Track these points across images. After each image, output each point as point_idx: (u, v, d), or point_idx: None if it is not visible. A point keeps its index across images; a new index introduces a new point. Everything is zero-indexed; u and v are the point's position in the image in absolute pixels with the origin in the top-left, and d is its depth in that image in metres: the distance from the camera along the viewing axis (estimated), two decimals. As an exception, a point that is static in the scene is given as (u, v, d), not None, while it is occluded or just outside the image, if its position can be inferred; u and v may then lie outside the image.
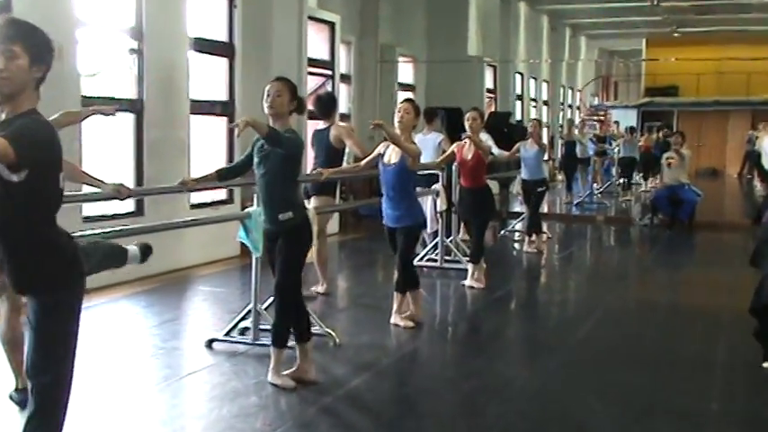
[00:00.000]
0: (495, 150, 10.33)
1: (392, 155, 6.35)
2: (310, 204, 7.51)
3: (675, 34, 28.29)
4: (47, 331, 3.01)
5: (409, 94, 16.75)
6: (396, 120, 6.39)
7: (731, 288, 8.69)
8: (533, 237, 10.79)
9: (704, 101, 28.96)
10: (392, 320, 6.64)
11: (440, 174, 9.02)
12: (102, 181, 4.94)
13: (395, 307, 6.66)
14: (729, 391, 5.28)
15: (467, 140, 8.16)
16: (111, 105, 5.95)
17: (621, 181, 19.12)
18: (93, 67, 8.18)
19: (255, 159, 4.98)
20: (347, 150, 7.70)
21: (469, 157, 8.15)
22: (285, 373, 5.12)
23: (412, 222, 6.49)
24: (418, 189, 9.19)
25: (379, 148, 6.51)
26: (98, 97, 8.00)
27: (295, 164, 4.97)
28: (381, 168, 6.44)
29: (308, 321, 5.24)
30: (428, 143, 9.44)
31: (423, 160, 9.25)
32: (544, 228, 12.15)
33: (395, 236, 6.52)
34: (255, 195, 5.88)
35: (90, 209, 7.71)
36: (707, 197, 14.75)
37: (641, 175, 20.60)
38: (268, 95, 4.89)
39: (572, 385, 5.36)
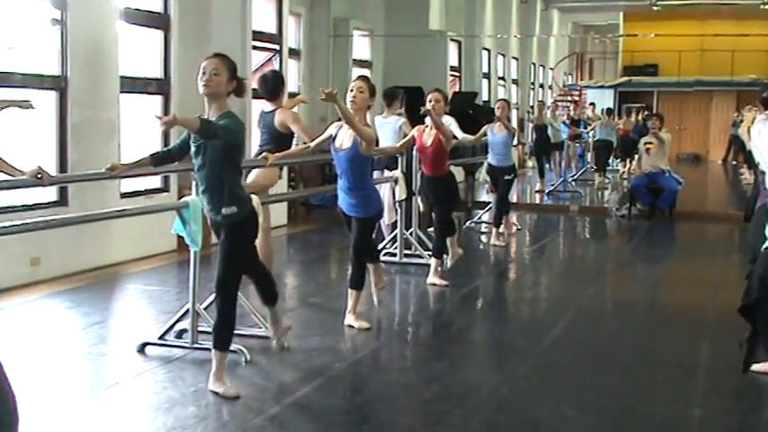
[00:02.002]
0: (460, 135, 10.34)
1: (344, 139, 6.32)
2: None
3: (655, 8, 28.58)
4: None
5: (365, 72, 16.72)
6: (348, 99, 6.34)
7: (715, 284, 8.81)
8: (501, 229, 10.86)
9: (686, 80, 29.31)
10: (346, 321, 6.63)
11: (398, 159, 9.01)
12: (20, 170, 4.86)
13: (349, 306, 6.65)
14: (713, 397, 5.33)
15: (427, 125, 8.16)
16: (27, 100, 5.90)
17: (596, 167, 19.29)
18: (9, 40, 8.03)
19: (192, 147, 4.93)
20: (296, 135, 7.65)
21: (429, 143, 8.14)
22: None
23: (366, 213, 6.50)
24: (376, 174, 9.24)
25: (331, 130, 6.47)
26: (16, 73, 7.88)
27: (236, 153, 4.95)
28: (333, 153, 6.42)
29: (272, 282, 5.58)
30: (388, 127, 9.42)
31: (382, 145, 9.29)
32: (513, 219, 12.21)
33: (348, 221, 6.60)
34: (194, 183, 5.83)
35: (5, 198, 7.58)
36: (689, 185, 14.95)
37: (618, 160, 20.81)
38: (203, 73, 4.83)
39: (544, 392, 5.38)
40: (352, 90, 6.37)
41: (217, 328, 5.09)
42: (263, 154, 6.66)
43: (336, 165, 6.48)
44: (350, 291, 6.66)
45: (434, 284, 8.17)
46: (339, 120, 6.31)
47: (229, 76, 4.87)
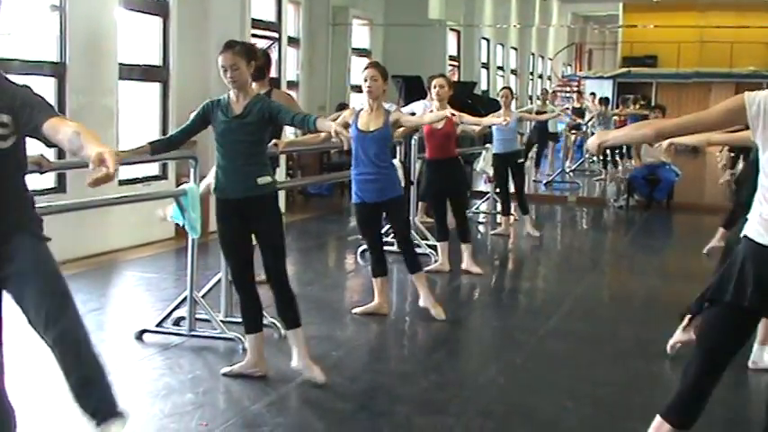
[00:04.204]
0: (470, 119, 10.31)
1: (370, 121, 6.37)
2: None
3: (655, -2, 28.55)
4: None
5: (364, 61, 16.69)
6: (364, 88, 6.39)
7: (711, 275, 8.79)
8: (526, 216, 10.92)
9: (685, 72, 29.30)
10: (422, 303, 6.77)
11: (397, 147, 8.99)
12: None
13: (423, 294, 6.76)
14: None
15: (432, 109, 8.16)
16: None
17: (595, 158, 19.24)
18: (8, 26, 8.01)
19: (231, 124, 4.93)
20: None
21: (440, 126, 8.15)
22: (228, 370, 5.16)
23: (399, 192, 6.62)
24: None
25: (346, 116, 6.49)
26: (15, 60, 7.86)
27: (275, 128, 5.13)
28: (358, 137, 6.38)
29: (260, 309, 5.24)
30: None
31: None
32: (512, 209, 12.21)
33: (374, 212, 6.55)
34: (192, 170, 5.82)
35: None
36: (687, 177, 14.96)
37: (617, 152, 20.77)
38: (225, 70, 4.89)
39: (540, 382, 5.40)
40: (366, 80, 6.36)
41: (291, 304, 5.13)
42: (273, 141, 6.54)
43: (358, 149, 6.41)
44: (414, 276, 6.74)
45: (469, 272, 8.27)
46: (343, 107, 6.36)
47: (247, 62, 4.93)
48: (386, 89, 6.59)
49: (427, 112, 8.59)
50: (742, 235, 3.35)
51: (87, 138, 2.94)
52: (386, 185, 6.43)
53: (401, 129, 7.74)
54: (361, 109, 6.49)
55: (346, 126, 6.24)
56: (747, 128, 3.35)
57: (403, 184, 8.76)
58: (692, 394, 3.64)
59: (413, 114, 8.35)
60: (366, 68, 6.46)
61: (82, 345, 3.46)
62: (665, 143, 5.34)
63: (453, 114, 7.07)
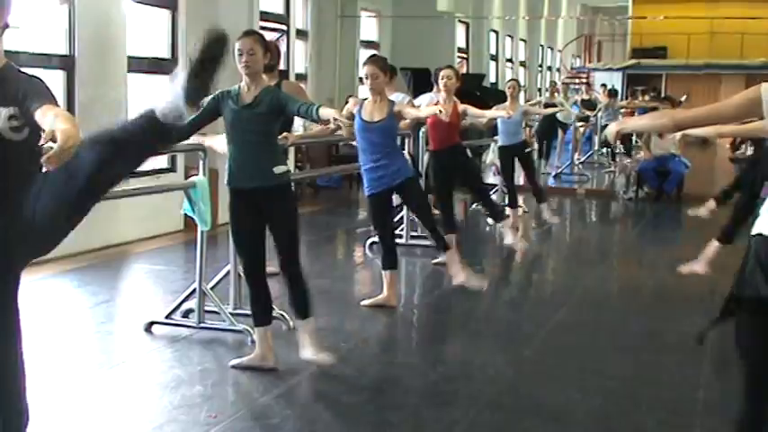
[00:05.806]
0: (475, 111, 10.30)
1: (374, 112, 6.38)
2: None
3: (665, -11, 28.44)
4: None
5: (372, 53, 16.69)
6: (366, 85, 6.39)
7: (721, 268, 8.77)
8: (544, 204, 10.89)
9: (695, 63, 29.18)
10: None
11: (406, 140, 8.99)
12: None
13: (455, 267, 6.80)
14: (718, 380, 5.34)
15: (439, 100, 8.13)
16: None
17: (604, 150, 19.21)
18: (17, 20, 8.02)
19: (241, 114, 4.94)
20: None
21: (446, 117, 8.13)
22: (237, 362, 5.17)
23: (412, 172, 6.69)
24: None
25: (351, 107, 6.48)
26: (23, 53, 7.88)
27: (285, 120, 5.20)
28: (362, 127, 6.37)
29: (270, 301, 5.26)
30: None
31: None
32: (520, 201, 12.21)
33: (388, 202, 6.63)
34: (201, 162, 5.83)
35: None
36: (696, 169, 14.91)
37: (622, 146, 20.72)
38: (241, 54, 4.91)
39: (548, 374, 5.40)
40: (367, 77, 6.35)
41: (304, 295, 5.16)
42: (283, 134, 6.53)
43: (365, 139, 6.42)
44: (444, 253, 6.83)
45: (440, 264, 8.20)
46: (349, 97, 6.37)
47: (263, 51, 4.98)
48: (388, 82, 6.61)
49: (432, 104, 8.58)
50: (753, 233, 3.20)
51: (60, 118, 2.86)
52: (400, 167, 6.46)
53: (405, 120, 7.71)
54: (365, 99, 6.50)
55: (351, 117, 6.27)
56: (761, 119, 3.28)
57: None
58: (747, 420, 3.25)
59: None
60: (364, 65, 6.43)
61: None
62: (679, 135, 5.35)
63: (441, 111, 7.01)
